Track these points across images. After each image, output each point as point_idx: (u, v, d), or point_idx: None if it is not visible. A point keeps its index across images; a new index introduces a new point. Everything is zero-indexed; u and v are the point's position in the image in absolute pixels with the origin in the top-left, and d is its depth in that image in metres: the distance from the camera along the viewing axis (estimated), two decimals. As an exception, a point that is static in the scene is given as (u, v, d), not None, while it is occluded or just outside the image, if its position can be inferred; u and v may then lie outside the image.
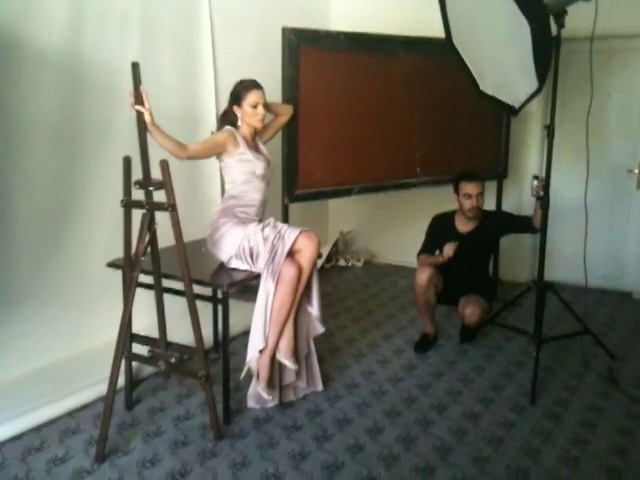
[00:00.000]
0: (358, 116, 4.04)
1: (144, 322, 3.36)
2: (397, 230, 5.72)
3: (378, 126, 4.15)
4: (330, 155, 3.97)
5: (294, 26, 3.67)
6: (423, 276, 3.81)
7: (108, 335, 3.23)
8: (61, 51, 3.41)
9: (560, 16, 3.31)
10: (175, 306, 3.41)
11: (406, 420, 3.09)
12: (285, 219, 3.81)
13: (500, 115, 4.65)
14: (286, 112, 3.58)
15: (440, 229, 4.05)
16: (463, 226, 4.00)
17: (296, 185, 3.82)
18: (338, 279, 5.53)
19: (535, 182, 3.45)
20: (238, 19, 4.61)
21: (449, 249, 3.78)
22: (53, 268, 3.54)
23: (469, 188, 3.87)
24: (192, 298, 2.78)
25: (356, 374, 3.61)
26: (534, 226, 3.71)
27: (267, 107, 3.28)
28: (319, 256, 3.38)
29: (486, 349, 3.97)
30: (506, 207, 4.88)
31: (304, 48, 3.68)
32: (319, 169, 3.91)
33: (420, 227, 4.16)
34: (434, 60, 4.20)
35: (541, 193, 3.43)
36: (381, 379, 3.55)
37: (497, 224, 4.03)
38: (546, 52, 3.06)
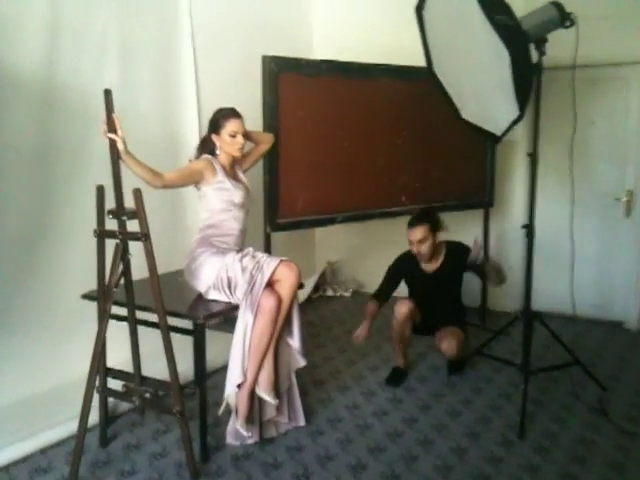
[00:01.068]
0: (341, 144, 4.01)
1: (123, 356, 3.24)
2: (386, 259, 5.62)
3: (361, 154, 4.11)
4: (312, 183, 3.93)
5: (276, 53, 3.66)
6: (403, 310, 3.73)
7: (85, 368, 3.12)
8: (36, 75, 3.35)
9: (541, 44, 3.32)
10: (155, 339, 3.29)
11: (390, 456, 2.99)
12: (267, 249, 3.74)
13: (485, 143, 4.63)
14: (267, 141, 3.53)
15: (405, 269, 3.94)
16: (428, 265, 3.88)
17: (278, 214, 3.76)
18: (326, 309, 5.45)
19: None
20: (220, 44, 4.57)
21: (358, 339, 3.74)
22: (27, 297, 3.44)
23: (409, 234, 3.76)
24: (166, 330, 2.70)
25: (340, 408, 3.51)
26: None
27: (247, 136, 3.24)
28: (300, 286, 3.31)
29: (474, 381, 3.88)
30: (492, 236, 4.84)
31: (284, 76, 3.66)
32: (301, 197, 3.86)
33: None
34: (418, 87, 4.18)
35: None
36: (366, 413, 3.45)
37: (463, 258, 3.83)
38: (526, 79, 3.04)
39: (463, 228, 5.31)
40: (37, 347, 3.47)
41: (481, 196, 4.78)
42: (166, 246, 3.72)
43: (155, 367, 3.02)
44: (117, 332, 2.98)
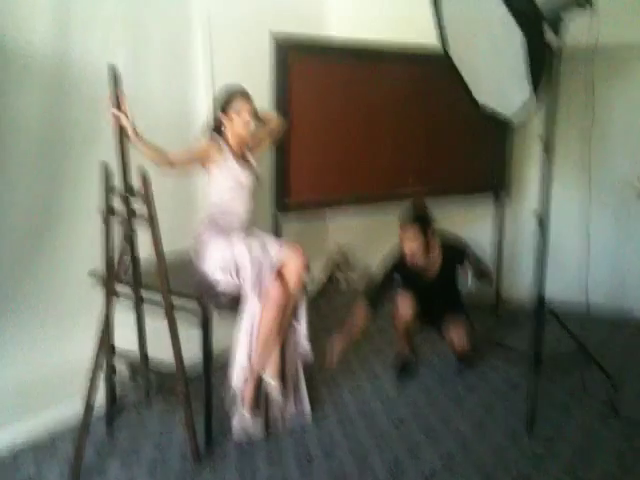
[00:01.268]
0: (350, 126, 3.97)
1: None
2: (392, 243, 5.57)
3: (370, 137, 4.07)
4: (321, 165, 3.90)
5: (288, 30, 3.61)
6: (408, 310, 3.63)
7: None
8: (45, 54, 3.32)
9: (556, 24, 3.20)
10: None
11: (395, 446, 2.96)
12: (275, 230, 3.71)
13: (502, 128, 4.53)
14: (278, 123, 3.44)
15: (403, 274, 3.72)
16: (427, 272, 3.69)
17: (288, 195, 3.73)
18: (340, 301, 5.28)
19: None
20: (233, 22, 4.46)
21: (331, 365, 3.56)
22: (34, 278, 3.45)
23: (401, 235, 3.58)
24: (170, 310, 2.68)
25: (345, 392, 3.49)
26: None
27: (256, 115, 3.18)
28: (307, 269, 3.28)
29: (480, 369, 3.83)
30: (507, 220, 4.75)
31: (295, 56, 3.60)
32: (310, 179, 3.84)
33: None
34: (431, 70, 4.09)
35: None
36: (370, 398, 3.43)
37: (459, 260, 3.70)
38: (541, 61, 2.94)
39: (476, 212, 5.26)
40: (44, 327, 3.48)
41: (492, 181, 4.69)
42: (177, 224, 3.72)
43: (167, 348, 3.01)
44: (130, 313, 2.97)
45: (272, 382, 2.92)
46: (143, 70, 3.80)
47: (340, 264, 5.85)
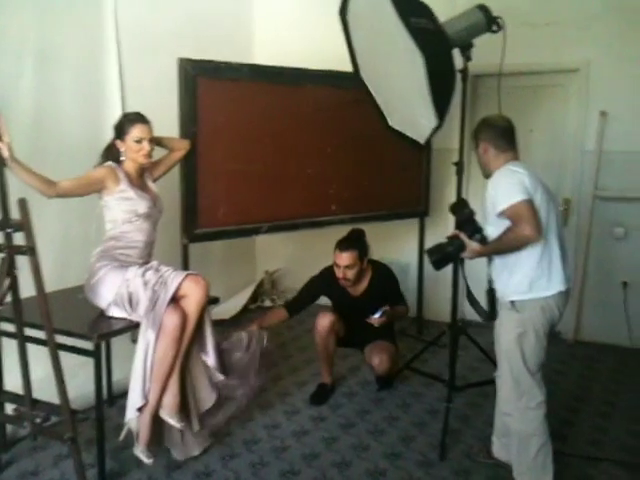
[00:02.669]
0: (265, 150, 3.84)
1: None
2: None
3: (288, 161, 3.96)
4: (235, 192, 3.75)
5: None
6: (324, 322, 3.59)
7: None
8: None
9: (466, 49, 3.20)
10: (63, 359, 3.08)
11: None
12: (184, 261, 3.57)
13: (419, 152, 4.51)
14: (181, 147, 3.34)
15: (328, 289, 3.75)
16: (353, 289, 3.71)
17: (196, 223, 3.57)
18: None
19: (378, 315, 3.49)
20: (149, 48, 4.36)
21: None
22: None
23: (337, 258, 3.59)
24: (54, 349, 2.50)
25: (259, 428, 3.34)
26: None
27: (157, 142, 3.07)
28: (214, 301, 3.17)
29: (403, 397, 3.75)
30: (429, 245, 4.72)
31: (203, 80, 3.49)
32: (222, 206, 3.68)
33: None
34: (349, 94, 4.03)
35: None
36: (285, 433, 3.29)
37: (388, 287, 3.77)
38: (446, 86, 2.91)
39: (399, 237, 5.23)
40: None
41: (416, 205, 4.67)
42: (68, 259, 3.55)
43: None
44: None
45: (171, 421, 2.76)
46: (53, 93, 3.64)
47: (266, 287, 5.79)
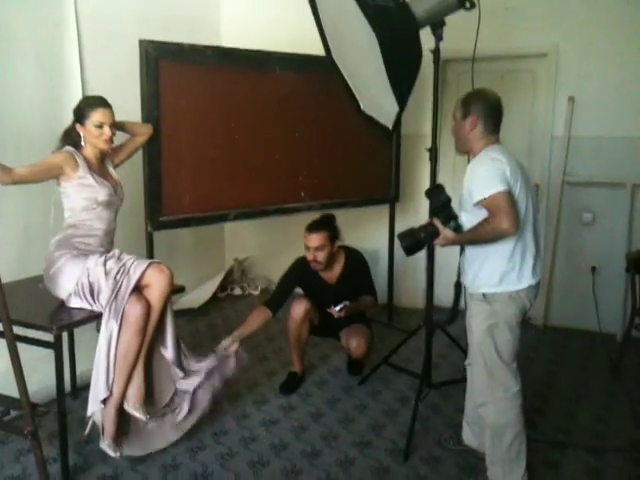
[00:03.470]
0: (232, 137, 3.75)
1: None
2: (296, 256, 5.45)
3: (255, 147, 3.87)
4: (201, 178, 3.66)
5: (155, 39, 3.40)
6: (299, 310, 3.54)
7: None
8: None
9: (437, 27, 3.10)
10: (31, 351, 2.97)
11: (272, 470, 2.79)
12: (149, 249, 3.48)
13: (395, 140, 4.47)
14: (144, 132, 3.25)
15: (302, 278, 3.70)
16: (327, 274, 3.68)
17: (161, 211, 3.48)
18: (230, 309, 5.20)
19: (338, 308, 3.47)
20: (111, 34, 4.26)
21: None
22: None
23: (307, 239, 3.56)
24: (13, 342, 2.40)
25: (228, 418, 3.29)
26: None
27: (119, 126, 2.98)
28: (179, 290, 3.10)
29: (373, 385, 3.72)
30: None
31: (166, 63, 3.39)
32: (188, 193, 3.59)
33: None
34: (317, 78, 3.98)
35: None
36: (254, 424, 3.24)
37: (361, 273, 3.75)
38: (408, 69, 2.84)
39: (369, 224, 5.19)
40: None
41: (386, 191, 4.63)
42: (29, 249, 3.45)
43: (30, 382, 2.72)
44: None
45: (135, 413, 2.69)
46: (11, 77, 3.54)
47: (235, 275, 5.72)
